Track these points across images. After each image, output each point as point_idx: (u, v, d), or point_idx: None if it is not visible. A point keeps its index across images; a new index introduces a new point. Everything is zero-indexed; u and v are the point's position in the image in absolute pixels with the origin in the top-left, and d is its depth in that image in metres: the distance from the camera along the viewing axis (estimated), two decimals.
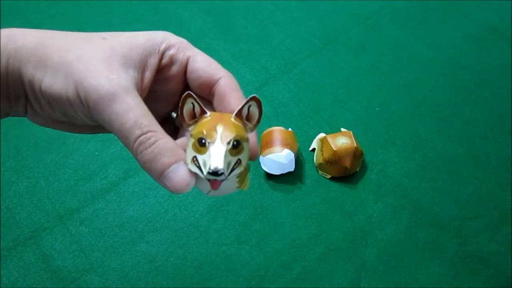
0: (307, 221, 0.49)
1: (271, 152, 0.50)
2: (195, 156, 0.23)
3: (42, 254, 0.46)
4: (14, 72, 0.24)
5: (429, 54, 0.65)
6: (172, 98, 0.28)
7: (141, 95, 0.24)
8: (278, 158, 0.49)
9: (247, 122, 0.24)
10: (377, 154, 0.54)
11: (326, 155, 0.50)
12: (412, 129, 0.57)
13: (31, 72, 0.23)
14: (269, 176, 0.52)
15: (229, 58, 0.64)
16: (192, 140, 0.23)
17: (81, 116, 0.24)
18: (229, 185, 0.24)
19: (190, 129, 0.24)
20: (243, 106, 0.24)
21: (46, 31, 0.25)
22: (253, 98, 0.24)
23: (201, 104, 0.24)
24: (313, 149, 0.54)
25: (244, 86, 0.62)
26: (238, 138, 0.23)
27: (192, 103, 0.24)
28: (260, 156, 0.51)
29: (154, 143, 0.23)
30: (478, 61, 0.64)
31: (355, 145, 0.50)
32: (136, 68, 0.25)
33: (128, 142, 0.23)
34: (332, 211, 0.49)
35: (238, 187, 0.24)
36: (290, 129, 0.53)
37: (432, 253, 0.46)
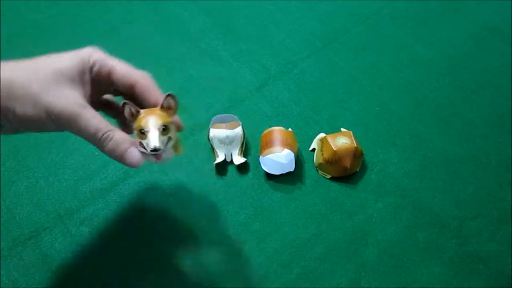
0: (307, 221, 0.49)
1: (271, 152, 0.50)
2: (140, 142, 0.35)
3: (42, 254, 0.46)
4: None
5: (429, 54, 0.65)
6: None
7: (88, 102, 0.34)
8: (278, 158, 0.49)
9: (169, 110, 0.36)
10: (377, 154, 0.54)
11: (326, 155, 0.50)
12: (412, 129, 0.57)
13: (4, 103, 0.30)
14: (269, 176, 0.52)
15: (229, 58, 0.64)
16: (136, 131, 0.35)
17: (51, 129, 0.34)
18: (168, 154, 0.36)
19: (133, 124, 0.35)
20: (163, 101, 0.35)
21: (6, 65, 0.32)
22: (168, 95, 0.35)
23: (135, 107, 0.35)
24: (313, 149, 0.54)
25: (244, 86, 0.63)
26: (165, 124, 0.34)
27: (129, 107, 0.35)
28: (260, 156, 0.51)
29: (112, 137, 0.34)
30: (478, 61, 0.64)
31: (355, 145, 0.50)
32: (80, 86, 0.34)
33: (95, 142, 0.34)
34: (332, 211, 0.49)
35: (174, 154, 0.38)
36: (290, 129, 0.53)
37: (432, 253, 0.46)
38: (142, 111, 0.35)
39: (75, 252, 0.46)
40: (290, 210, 0.50)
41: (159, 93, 0.37)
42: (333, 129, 0.55)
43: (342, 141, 0.50)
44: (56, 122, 0.32)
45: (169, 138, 0.35)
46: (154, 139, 0.34)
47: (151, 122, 0.34)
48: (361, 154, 0.52)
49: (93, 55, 0.35)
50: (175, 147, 0.37)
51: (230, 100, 0.59)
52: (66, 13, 0.70)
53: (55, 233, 0.48)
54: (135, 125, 0.35)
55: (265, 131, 0.53)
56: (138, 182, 0.52)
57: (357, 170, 0.52)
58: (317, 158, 0.53)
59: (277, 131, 0.52)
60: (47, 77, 0.32)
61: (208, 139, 0.52)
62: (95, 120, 0.33)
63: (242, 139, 0.52)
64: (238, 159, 0.51)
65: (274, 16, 0.71)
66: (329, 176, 0.52)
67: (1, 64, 0.32)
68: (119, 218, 0.49)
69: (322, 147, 0.52)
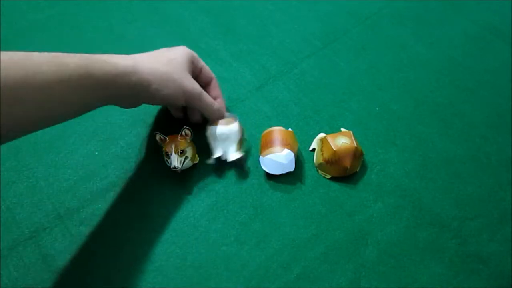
0: (307, 221, 0.49)
1: (271, 152, 0.50)
2: (166, 160, 0.49)
3: (42, 254, 0.46)
4: (140, 88, 0.45)
5: (429, 54, 0.65)
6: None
7: None
8: (278, 158, 0.49)
9: (186, 137, 0.50)
10: (377, 154, 0.54)
11: (326, 155, 0.50)
12: (412, 129, 0.57)
13: (153, 89, 0.45)
14: (269, 176, 0.52)
15: (229, 58, 0.64)
16: (164, 153, 0.50)
17: (181, 103, 0.49)
18: (186, 165, 0.50)
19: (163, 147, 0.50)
20: (181, 131, 0.49)
21: (145, 60, 0.46)
22: (185, 127, 0.49)
23: (163, 135, 0.50)
24: (313, 149, 0.54)
25: (244, 86, 0.63)
26: (182, 148, 0.49)
27: (159, 136, 0.50)
28: (260, 156, 0.51)
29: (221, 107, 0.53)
30: (478, 61, 0.64)
31: (355, 145, 0.50)
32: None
33: (210, 110, 0.51)
34: (332, 211, 0.49)
35: (192, 163, 0.51)
36: (290, 129, 0.53)
37: (432, 253, 0.46)
38: (167, 138, 0.49)
39: (75, 252, 0.46)
40: (290, 210, 0.50)
41: (219, 90, 0.55)
42: (333, 129, 0.55)
43: (342, 141, 0.50)
44: (187, 98, 0.48)
45: (186, 158, 0.49)
46: (174, 161, 0.48)
47: (172, 148, 0.48)
48: (361, 154, 0.52)
49: (194, 54, 0.51)
50: (192, 159, 0.51)
51: (230, 100, 0.59)
52: (66, 13, 0.70)
53: (55, 233, 0.48)
54: (163, 149, 0.49)
55: (265, 131, 0.53)
56: (138, 182, 0.52)
57: (357, 170, 0.52)
58: (317, 158, 0.53)
59: (277, 131, 0.52)
60: (180, 67, 0.47)
61: (206, 135, 0.52)
62: (209, 96, 0.51)
63: (239, 136, 0.52)
64: (233, 155, 0.51)
65: (274, 16, 0.71)
66: (329, 176, 0.52)
67: (134, 56, 0.46)
68: (119, 218, 0.49)
69: (322, 147, 0.52)
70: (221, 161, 0.52)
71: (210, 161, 0.51)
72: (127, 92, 0.44)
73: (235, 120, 0.52)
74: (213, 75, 0.54)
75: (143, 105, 0.59)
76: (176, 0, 0.72)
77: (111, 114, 0.58)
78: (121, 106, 0.48)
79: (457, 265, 0.46)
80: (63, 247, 0.47)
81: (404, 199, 0.50)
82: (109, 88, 0.42)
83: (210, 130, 0.52)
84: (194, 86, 0.48)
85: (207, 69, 0.53)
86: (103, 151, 0.54)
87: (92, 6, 0.71)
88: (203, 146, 0.55)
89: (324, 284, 0.44)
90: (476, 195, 0.51)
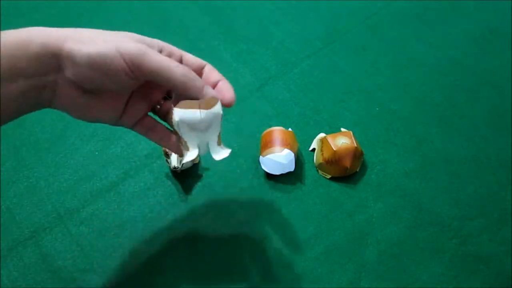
0: (307, 221, 0.49)
1: (271, 152, 0.50)
2: (167, 160, 0.49)
3: (42, 254, 0.46)
4: (50, 50, 0.30)
5: (429, 54, 0.65)
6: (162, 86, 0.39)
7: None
8: (278, 158, 0.49)
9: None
10: (377, 154, 0.54)
11: (326, 155, 0.50)
12: (412, 129, 0.57)
13: (70, 46, 0.30)
14: (269, 176, 0.52)
15: (229, 58, 0.64)
16: (164, 153, 0.49)
17: (119, 75, 0.31)
18: (186, 165, 0.49)
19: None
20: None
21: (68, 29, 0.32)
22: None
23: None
24: (313, 149, 0.54)
25: (244, 86, 0.63)
26: None
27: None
28: (260, 156, 0.51)
29: (181, 65, 0.33)
30: (478, 61, 0.64)
31: (355, 145, 0.50)
32: None
33: (168, 71, 0.32)
34: (332, 211, 0.49)
35: (193, 163, 0.50)
36: (290, 129, 0.53)
37: (432, 253, 0.46)
38: None
39: (75, 252, 0.46)
40: (290, 210, 0.50)
41: (218, 74, 0.38)
42: (333, 129, 0.55)
43: (342, 141, 0.50)
44: (127, 60, 0.31)
45: None
46: (174, 161, 0.47)
47: None
48: (361, 154, 0.52)
49: (159, 42, 0.35)
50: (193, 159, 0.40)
51: None
52: (66, 13, 0.70)
53: (55, 233, 0.48)
54: (163, 149, 0.48)
55: (265, 131, 0.53)
56: (138, 182, 0.52)
57: (357, 170, 0.52)
58: (317, 158, 0.53)
59: (277, 131, 0.52)
60: (118, 35, 0.33)
61: (171, 121, 0.35)
62: (161, 55, 0.33)
63: (221, 122, 0.36)
64: (220, 152, 0.37)
65: (274, 16, 0.70)
66: (329, 176, 0.52)
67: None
68: (119, 218, 0.49)
69: (322, 147, 0.52)
70: (191, 162, 0.48)
71: (185, 161, 0.36)
72: (36, 64, 0.30)
73: (217, 100, 0.35)
74: (203, 62, 0.38)
75: None
76: (176, 0, 0.72)
77: None
78: (62, 106, 0.34)
79: (457, 265, 0.46)
80: (63, 247, 0.47)
81: (404, 199, 0.50)
82: (18, 63, 0.29)
83: (178, 114, 0.33)
84: (137, 44, 0.31)
85: (190, 57, 0.37)
86: (103, 151, 0.54)
87: (92, 6, 0.71)
88: None
89: (324, 284, 0.44)
90: (476, 195, 0.51)
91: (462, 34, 0.68)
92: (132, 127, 0.38)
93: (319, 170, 0.53)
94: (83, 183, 0.52)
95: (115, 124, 0.37)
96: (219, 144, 0.37)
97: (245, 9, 0.71)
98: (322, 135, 0.54)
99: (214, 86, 0.37)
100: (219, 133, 0.37)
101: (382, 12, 0.71)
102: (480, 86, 0.61)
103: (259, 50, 0.66)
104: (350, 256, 0.46)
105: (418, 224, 0.48)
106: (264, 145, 0.51)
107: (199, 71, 0.37)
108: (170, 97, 0.39)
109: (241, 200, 0.50)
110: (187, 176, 0.52)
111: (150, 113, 0.39)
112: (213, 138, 0.36)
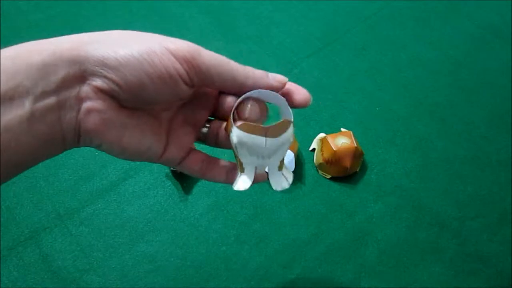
0: (307, 221, 0.49)
1: None
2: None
3: (42, 254, 0.46)
4: (64, 57, 0.23)
5: (429, 54, 0.65)
6: (208, 100, 0.29)
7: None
8: None
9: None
10: (377, 154, 0.54)
11: (326, 155, 0.50)
12: (412, 129, 0.57)
13: (97, 48, 0.23)
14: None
15: (229, 58, 0.64)
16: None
17: (171, 78, 0.24)
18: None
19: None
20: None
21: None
22: None
23: None
24: (313, 149, 0.54)
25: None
26: None
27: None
28: None
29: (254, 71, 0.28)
30: (478, 61, 0.64)
31: (355, 145, 0.50)
32: None
33: (235, 68, 0.28)
34: (332, 211, 0.49)
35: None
36: None
37: (432, 253, 0.46)
38: None
39: (75, 252, 0.46)
40: (290, 210, 0.50)
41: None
42: (333, 129, 0.55)
43: (342, 141, 0.50)
44: (179, 57, 0.24)
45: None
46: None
47: None
48: (361, 154, 0.52)
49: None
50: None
51: None
52: (66, 13, 0.70)
53: (55, 233, 0.48)
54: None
55: None
56: (138, 182, 0.52)
57: (357, 170, 0.52)
58: (317, 158, 0.53)
59: None
60: (147, 35, 0.25)
61: (229, 138, 0.28)
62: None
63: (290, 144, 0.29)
64: (279, 180, 0.31)
65: (274, 16, 0.70)
66: (329, 176, 0.52)
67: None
68: (119, 218, 0.49)
69: (322, 147, 0.52)
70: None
71: (237, 187, 0.29)
72: (42, 76, 0.22)
73: (291, 120, 0.29)
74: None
75: None
76: (176, 0, 0.72)
77: None
78: (95, 140, 0.26)
79: (457, 265, 0.46)
80: (63, 247, 0.47)
81: (404, 199, 0.50)
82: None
83: (238, 136, 0.27)
84: (184, 41, 0.25)
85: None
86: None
87: (92, 6, 0.71)
88: (203, 146, 0.55)
89: (324, 284, 0.44)
90: (476, 195, 0.51)
91: (462, 34, 0.68)
92: (182, 162, 0.29)
93: (319, 170, 0.53)
94: (83, 183, 0.52)
95: (160, 159, 0.28)
96: (280, 169, 0.30)
97: (245, 9, 0.71)
98: (322, 135, 0.54)
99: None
100: (283, 158, 0.30)
101: (382, 12, 0.71)
102: (480, 86, 0.61)
103: (259, 50, 0.66)
104: (350, 256, 0.46)
105: (418, 224, 0.48)
106: None
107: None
108: (214, 118, 0.31)
109: (241, 200, 0.50)
110: (187, 176, 0.52)
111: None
112: (275, 163, 0.29)
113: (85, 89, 0.23)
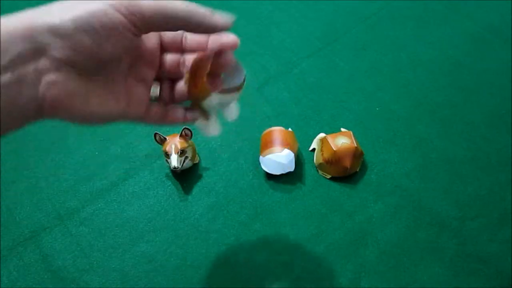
0: (307, 221, 0.49)
1: (271, 152, 0.50)
2: (166, 160, 0.48)
3: (42, 254, 0.46)
4: (17, 33, 0.24)
5: (429, 54, 0.65)
6: (152, 58, 0.32)
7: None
8: (278, 158, 0.49)
9: (186, 137, 0.49)
10: (377, 154, 0.54)
11: (326, 155, 0.50)
12: (412, 129, 0.57)
13: (46, 19, 0.24)
14: (269, 176, 0.52)
15: None
16: (163, 153, 0.49)
17: (119, 30, 0.25)
18: (186, 165, 0.50)
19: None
20: (182, 131, 0.48)
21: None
22: (185, 128, 0.48)
23: (162, 136, 0.48)
24: (313, 149, 0.54)
25: (244, 86, 0.62)
26: (182, 149, 0.48)
27: (159, 135, 0.48)
28: (260, 156, 0.51)
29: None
30: (478, 61, 0.64)
31: (355, 145, 0.50)
32: None
33: (178, 8, 0.27)
34: (332, 211, 0.49)
35: (192, 162, 0.51)
36: (290, 129, 0.53)
37: (432, 253, 0.46)
38: (167, 137, 0.48)
39: (75, 252, 0.46)
40: (290, 210, 0.50)
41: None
42: (333, 129, 0.55)
43: (342, 141, 0.50)
44: (122, 10, 0.25)
45: (186, 158, 0.49)
46: (174, 161, 0.47)
47: (172, 148, 0.47)
48: (361, 154, 0.52)
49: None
50: (192, 159, 0.50)
51: None
52: None
53: (55, 233, 0.48)
54: (162, 149, 0.48)
55: (265, 131, 0.53)
56: (138, 182, 0.52)
57: (357, 170, 0.52)
58: (317, 158, 0.53)
59: (277, 131, 0.52)
60: None
61: (204, 100, 0.34)
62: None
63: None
64: (233, 113, 0.38)
65: (274, 16, 0.71)
66: (329, 176, 0.52)
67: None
68: (119, 218, 0.49)
69: (322, 147, 0.52)
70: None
71: (213, 132, 0.36)
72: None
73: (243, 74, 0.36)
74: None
75: None
76: None
77: None
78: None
79: (457, 265, 0.46)
80: (63, 247, 0.47)
81: (404, 199, 0.50)
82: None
83: (218, 98, 0.34)
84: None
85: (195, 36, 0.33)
86: (103, 151, 0.54)
87: None
88: (203, 146, 0.55)
89: (324, 284, 0.44)
90: (476, 195, 0.51)
91: (462, 34, 0.68)
92: (145, 116, 0.32)
93: (319, 170, 0.53)
94: (83, 183, 0.52)
95: (124, 118, 0.30)
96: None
97: (245, 9, 0.71)
98: (322, 135, 0.54)
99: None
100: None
101: (382, 12, 0.71)
102: (480, 86, 0.61)
103: (259, 50, 0.66)
104: (350, 256, 0.46)
105: (418, 224, 0.48)
106: (264, 145, 0.51)
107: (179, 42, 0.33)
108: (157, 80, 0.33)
109: (241, 200, 0.50)
110: (187, 176, 0.52)
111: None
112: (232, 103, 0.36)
113: (43, 62, 0.24)
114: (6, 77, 0.23)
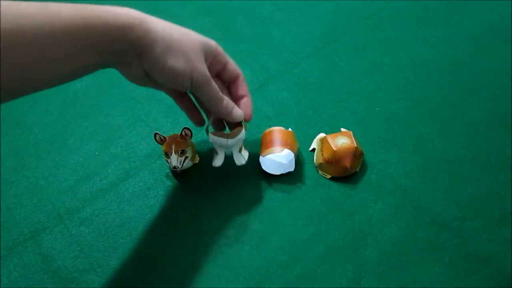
0: (307, 221, 0.49)
1: (271, 152, 0.50)
2: (166, 160, 0.48)
3: (42, 254, 0.46)
4: (142, 47, 0.37)
5: (429, 54, 0.65)
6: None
7: None
8: (278, 158, 0.49)
9: (186, 137, 0.49)
10: (377, 154, 0.54)
11: (326, 155, 0.50)
12: (412, 129, 0.57)
13: (158, 51, 0.38)
14: (269, 176, 0.52)
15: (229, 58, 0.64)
16: (163, 153, 0.49)
17: (183, 85, 0.41)
18: (186, 165, 0.50)
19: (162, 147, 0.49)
20: (181, 131, 0.48)
21: (160, 21, 0.39)
22: (185, 128, 0.47)
23: (162, 136, 0.48)
24: (313, 149, 0.54)
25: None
26: (182, 148, 0.48)
27: (159, 136, 0.48)
28: (260, 156, 0.51)
29: (226, 98, 0.45)
30: (478, 61, 0.64)
31: (355, 145, 0.50)
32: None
33: (215, 100, 0.44)
34: (332, 211, 0.49)
35: (192, 162, 0.51)
36: (290, 129, 0.53)
37: (432, 253, 0.46)
38: (167, 137, 0.48)
39: (75, 252, 0.46)
40: (290, 210, 0.50)
41: (247, 88, 0.49)
42: (333, 129, 0.55)
43: (342, 141, 0.50)
44: (195, 80, 0.41)
45: (186, 157, 0.49)
46: (174, 161, 0.47)
47: (172, 148, 0.47)
48: (361, 154, 0.52)
49: (218, 47, 0.46)
50: (192, 159, 0.50)
51: None
52: None
53: (55, 233, 0.48)
54: (162, 149, 0.49)
55: (265, 131, 0.53)
56: (138, 182, 0.52)
57: (357, 170, 0.52)
58: (317, 158, 0.53)
59: (277, 131, 0.52)
60: (195, 45, 0.41)
61: (207, 135, 0.48)
62: (217, 86, 0.44)
63: (243, 137, 0.48)
64: (239, 159, 0.49)
65: (274, 16, 0.71)
66: (329, 176, 0.52)
67: (145, 16, 0.38)
68: (119, 218, 0.49)
69: (322, 147, 0.52)
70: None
71: (215, 163, 0.48)
72: (128, 49, 0.37)
73: (242, 126, 0.48)
74: (239, 71, 0.48)
75: (143, 105, 0.59)
76: (176, 0, 0.72)
77: (111, 114, 0.58)
78: (124, 75, 0.41)
79: (457, 265, 0.46)
80: (63, 247, 0.47)
81: (404, 199, 0.50)
82: (110, 42, 0.35)
83: (213, 139, 0.47)
84: (206, 71, 0.41)
85: (232, 65, 0.48)
86: (103, 151, 0.54)
87: None
88: (203, 146, 0.55)
89: (324, 284, 0.44)
90: (476, 195, 0.51)
91: (462, 34, 0.68)
92: (175, 98, 0.49)
93: (319, 170, 0.53)
94: (83, 183, 0.52)
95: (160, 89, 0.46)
96: (240, 151, 0.49)
97: (245, 9, 0.71)
98: (322, 135, 0.54)
99: (240, 98, 0.48)
100: (242, 145, 0.49)
101: (382, 12, 0.71)
102: (480, 86, 0.61)
103: (259, 50, 0.66)
104: (350, 256, 0.46)
105: (418, 224, 0.48)
106: (264, 145, 0.51)
107: (234, 79, 0.48)
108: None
109: (241, 200, 0.50)
110: (187, 176, 0.52)
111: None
112: (236, 149, 0.49)
113: (136, 62, 0.39)
114: (113, 57, 0.37)
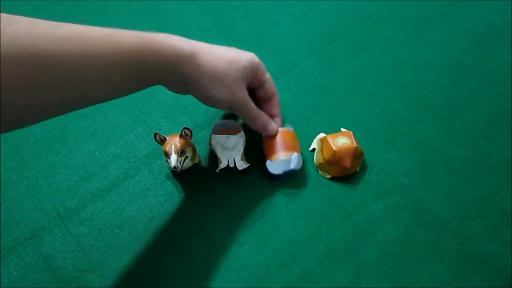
0: (307, 221, 0.49)
1: (281, 157, 0.49)
2: (166, 160, 0.48)
3: (42, 254, 0.46)
4: (191, 78, 0.43)
5: (429, 54, 0.65)
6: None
7: None
8: (287, 162, 0.49)
9: (186, 137, 0.49)
10: (377, 154, 0.54)
11: (326, 155, 0.50)
12: (412, 129, 0.57)
13: (203, 82, 0.43)
14: (270, 176, 0.52)
15: None
16: (163, 153, 0.48)
17: (224, 107, 0.47)
18: (186, 165, 0.50)
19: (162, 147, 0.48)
20: (181, 131, 0.48)
21: (207, 52, 0.44)
22: (185, 128, 0.48)
23: (162, 135, 0.48)
24: (313, 149, 0.54)
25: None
26: (182, 149, 0.47)
27: (158, 136, 0.48)
28: (268, 161, 0.50)
29: (262, 115, 0.50)
30: (478, 61, 0.64)
31: (355, 145, 0.50)
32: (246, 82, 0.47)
33: (252, 119, 0.49)
34: (332, 211, 0.49)
35: (192, 163, 0.51)
36: (292, 129, 0.53)
37: (432, 253, 0.46)
38: (167, 137, 0.48)
39: (75, 252, 0.46)
40: (290, 210, 0.50)
41: (279, 109, 0.53)
42: (333, 129, 0.55)
43: (342, 141, 0.50)
44: (233, 104, 0.46)
45: (186, 158, 0.49)
46: (174, 161, 0.47)
47: (172, 148, 0.47)
48: (361, 154, 0.52)
49: (260, 66, 0.49)
50: (192, 159, 0.50)
51: None
52: (66, 13, 0.70)
53: (55, 233, 0.48)
54: (162, 149, 0.48)
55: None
56: (138, 182, 0.52)
57: (357, 170, 0.52)
58: (317, 158, 0.53)
59: (283, 133, 0.51)
60: (237, 73, 0.45)
61: (210, 144, 0.52)
62: (254, 106, 0.49)
63: (244, 144, 0.52)
64: (242, 165, 0.50)
65: (274, 16, 0.71)
66: (329, 176, 0.52)
67: (191, 41, 0.43)
68: (119, 218, 0.49)
69: (322, 147, 0.52)
70: (224, 168, 0.51)
71: (219, 169, 0.50)
72: (177, 79, 0.42)
73: (241, 128, 0.52)
74: (275, 91, 0.52)
75: (143, 106, 0.59)
76: (176, 0, 0.72)
77: (111, 114, 0.58)
78: (168, 89, 0.45)
79: (457, 265, 0.46)
80: (63, 247, 0.47)
81: (404, 199, 0.50)
82: (160, 72, 0.40)
83: (215, 139, 0.51)
84: (244, 95, 0.46)
85: (270, 83, 0.51)
86: (103, 151, 0.54)
87: (92, 6, 0.71)
88: (203, 146, 0.55)
89: (324, 284, 0.44)
90: (476, 195, 0.51)
91: (462, 34, 0.68)
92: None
93: (319, 170, 0.53)
94: (83, 183, 0.52)
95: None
96: (242, 159, 0.51)
97: (245, 9, 0.71)
98: (322, 135, 0.54)
99: (271, 117, 0.52)
100: (242, 153, 0.51)
101: (382, 12, 0.71)
102: (480, 86, 0.61)
103: (259, 50, 0.65)
104: (350, 256, 0.46)
105: (418, 224, 0.48)
106: (270, 148, 0.51)
107: (269, 98, 0.52)
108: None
109: (241, 200, 0.50)
110: (187, 176, 0.52)
111: None
112: (237, 154, 0.51)
113: (182, 87, 0.44)
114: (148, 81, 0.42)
